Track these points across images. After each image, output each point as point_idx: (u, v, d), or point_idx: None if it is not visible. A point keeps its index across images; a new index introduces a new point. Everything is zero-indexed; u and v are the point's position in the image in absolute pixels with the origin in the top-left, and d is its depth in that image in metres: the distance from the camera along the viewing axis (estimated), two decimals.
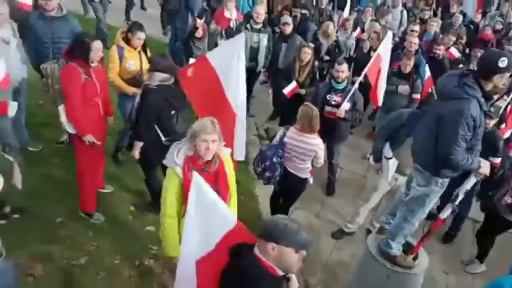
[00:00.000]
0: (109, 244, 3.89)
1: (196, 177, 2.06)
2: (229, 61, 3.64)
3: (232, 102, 3.68)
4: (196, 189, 2.03)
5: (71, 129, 3.75)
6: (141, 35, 4.36)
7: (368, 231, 4.55)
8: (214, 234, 2.10)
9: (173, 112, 3.81)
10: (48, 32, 4.30)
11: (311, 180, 4.15)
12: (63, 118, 3.77)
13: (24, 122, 4.75)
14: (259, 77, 6.74)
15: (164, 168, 4.15)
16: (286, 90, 5.22)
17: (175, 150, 2.76)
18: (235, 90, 3.70)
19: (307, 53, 5.31)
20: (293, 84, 5.26)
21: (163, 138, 3.84)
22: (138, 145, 3.86)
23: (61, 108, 3.75)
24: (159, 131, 3.81)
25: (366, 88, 5.18)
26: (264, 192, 4.84)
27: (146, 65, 4.47)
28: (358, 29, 7.44)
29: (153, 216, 4.28)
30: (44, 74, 3.79)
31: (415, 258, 3.44)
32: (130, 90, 4.37)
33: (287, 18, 6.13)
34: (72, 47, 3.66)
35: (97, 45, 3.62)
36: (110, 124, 4.20)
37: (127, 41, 4.39)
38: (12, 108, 3.86)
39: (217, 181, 2.76)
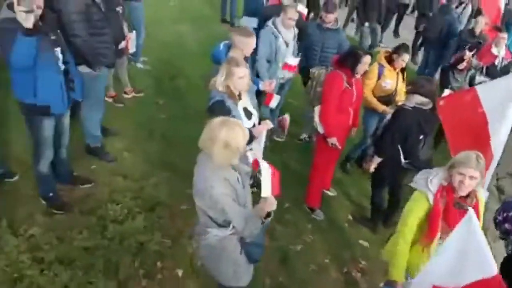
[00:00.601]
0: (323, 242, 4.13)
1: (470, 211, 2.01)
2: (500, 100, 3.38)
3: (492, 143, 3.40)
4: (467, 223, 1.98)
5: (320, 129, 4.10)
6: (406, 57, 4.44)
7: None
8: (467, 274, 2.00)
9: (421, 136, 3.75)
10: (320, 41, 4.81)
11: None
12: (316, 118, 4.16)
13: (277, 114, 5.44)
14: None
15: (393, 189, 4.20)
16: None
17: (429, 175, 2.69)
18: (499, 132, 3.41)
19: None
20: None
21: (403, 160, 3.83)
22: (376, 160, 3.94)
23: (317, 109, 4.14)
24: (401, 152, 3.81)
25: None
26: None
27: (401, 86, 4.53)
28: None
29: (368, 231, 4.35)
30: (310, 77, 4.23)
31: None
32: (381, 107, 4.49)
33: None
34: (343, 56, 3.99)
35: (366, 59, 3.86)
36: (352, 135, 4.42)
37: (389, 61, 4.52)
38: (275, 101, 4.46)
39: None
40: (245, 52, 3.62)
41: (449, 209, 2.59)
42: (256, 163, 2.53)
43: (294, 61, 4.72)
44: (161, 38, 7.32)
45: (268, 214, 2.41)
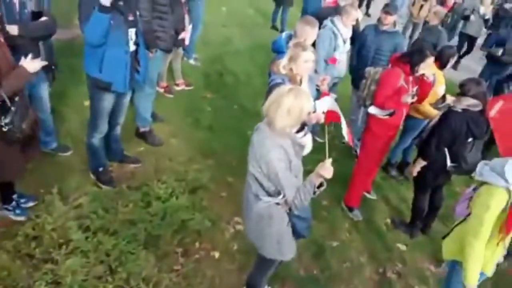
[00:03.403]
0: (360, 242, 4.11)
1: None
2: None
3: None
4: None
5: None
6: None
7: None
8: None
9: (470, 139, 3.67)
10: (374, 42, 4.82)
11: None
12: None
13: None
14: None
15: (434, 193, 4.12)
16: None
17: (499, 168, 2.62)
18: None
19: None
20: None
21: (449, 163, 3.76)
22: (421, 163, 3.89)
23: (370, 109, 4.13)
24: (447, 155, 3.75)
25: None
26: None
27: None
28: None
29: (406, 236, 4.28)
30: (365, 76, 4.23)
31: None
32: (435, 113, 4.31)
33: None
34: (409, 52, 3.99)
35: (430, 60, 3.84)
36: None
37: (441, 66, 4.48)
38: (329, 99, 4.44)
39: None
40: (306, 43, 3.55)
41: None
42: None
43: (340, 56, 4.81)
44: (211, 39, 7.58)
45: (321, 184, 2.46)
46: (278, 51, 3.55)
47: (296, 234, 2.73)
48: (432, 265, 4.03)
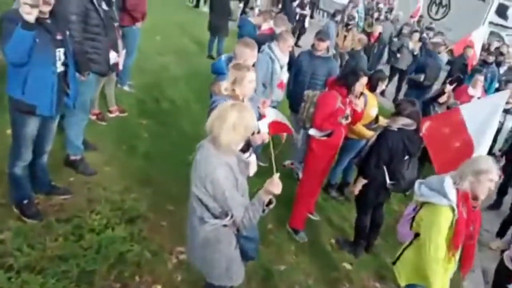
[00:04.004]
0: (307, 264, 4.05)
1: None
2: (483, 116, 3.57)
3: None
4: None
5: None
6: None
7: None
8: None
9: (406, 157, 3.83)
10: (310, 67, 4.94)
11: None
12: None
13: None
14: None
15: (375, 211, 4.21)
16: None
17: (438, 187, 2.72)
18: (481, 147, 3.57)
19: None
20: None
21: (388, 181, 3.88)
22: (361, 182, 3.98)
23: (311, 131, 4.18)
24: (386, 173, 3.87)
25: None
26: None
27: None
28: None
29: (351, 256, 4.30)
30: (304, 99, 4.30)
31: None
32: (370, 134, 4.47)
33: None
34: (343, 75, 4.14)
35: (364, 80, 4.00)
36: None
37: (370, 88, 4.68)
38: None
39: (477, 220, 2.77)
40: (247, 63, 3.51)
41: (470, 214, 2.69)
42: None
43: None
44: (147, 67, 7.40)
45: (270, 202, 2.37)
46: (218, 72, 3.50)
47: (244, 255, 2.60)
48: (377, 282, 4.07)
